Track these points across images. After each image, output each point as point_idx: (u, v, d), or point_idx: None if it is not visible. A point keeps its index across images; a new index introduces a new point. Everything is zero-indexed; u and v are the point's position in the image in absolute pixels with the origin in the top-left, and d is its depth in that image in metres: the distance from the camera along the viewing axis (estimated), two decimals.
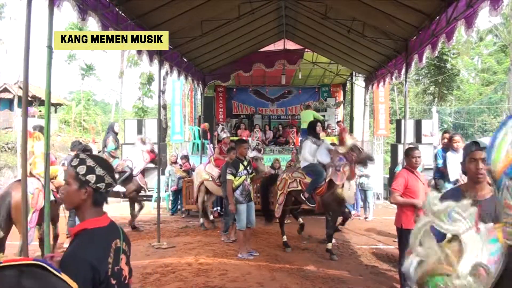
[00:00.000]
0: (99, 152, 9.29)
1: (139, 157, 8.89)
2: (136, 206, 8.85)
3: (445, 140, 6.68)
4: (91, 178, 1.78)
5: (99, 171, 1.80)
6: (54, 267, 0.89)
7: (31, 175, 5.41)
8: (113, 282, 1.71)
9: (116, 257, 1.75)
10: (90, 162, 1.80)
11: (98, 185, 1.79)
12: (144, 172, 9.01)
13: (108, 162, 1.95)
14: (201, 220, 8.90)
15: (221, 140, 9.29)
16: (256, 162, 8.63)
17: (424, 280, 0.96)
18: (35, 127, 5.88)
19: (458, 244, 0.92)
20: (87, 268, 1.62)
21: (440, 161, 6.44)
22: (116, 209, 10.23)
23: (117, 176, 8.42)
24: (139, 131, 12.29)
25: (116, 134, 9.10)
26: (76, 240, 1.77)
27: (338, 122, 13.90)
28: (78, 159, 1.82)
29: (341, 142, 6.72)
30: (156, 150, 9.47)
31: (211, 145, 10.47)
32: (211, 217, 9.12)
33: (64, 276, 0.89)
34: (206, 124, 11.94)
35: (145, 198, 11.89)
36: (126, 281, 1.83)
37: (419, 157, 4.77)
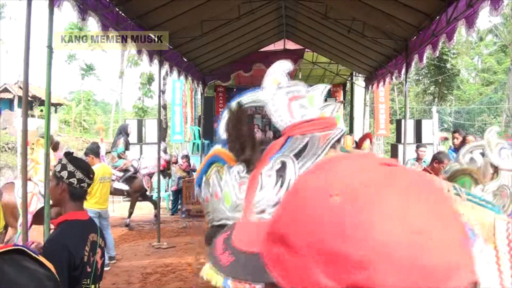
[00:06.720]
0: (107, 152, 9.35)
1: (154, 161, 8.96)
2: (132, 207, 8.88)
3: (455, 140, 6.62)
4: (64, 174, 2.02)
5: (70, 167, 2.04)
6: (33, 250, 0.93)
7: (29, 180, 5.37)
8: (89, 270, 1.92)
9: (92, 249, 1.97)
10: (64, 161, 2.07)
11: (70, 180, 2.02)
12: (152, 175, 9.12)
13: (82, 161, 2.21)
14: None
15: None
16: None
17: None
18: (42, 134, 5.74)
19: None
20: (64, 251, 1.83)
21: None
22: (117, 210, 10.23)
23: (121, 174, 8.53)
24: (139, 131, 12.30)
25: (128, 135, 9.16)
26: (57, 228, 2.01)
27: None
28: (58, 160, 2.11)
29: (359, 146, 6.66)
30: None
31: None
32: None
33: (41, 258, 0.93)
34: None
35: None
36: (99, 273, 2.03)
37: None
